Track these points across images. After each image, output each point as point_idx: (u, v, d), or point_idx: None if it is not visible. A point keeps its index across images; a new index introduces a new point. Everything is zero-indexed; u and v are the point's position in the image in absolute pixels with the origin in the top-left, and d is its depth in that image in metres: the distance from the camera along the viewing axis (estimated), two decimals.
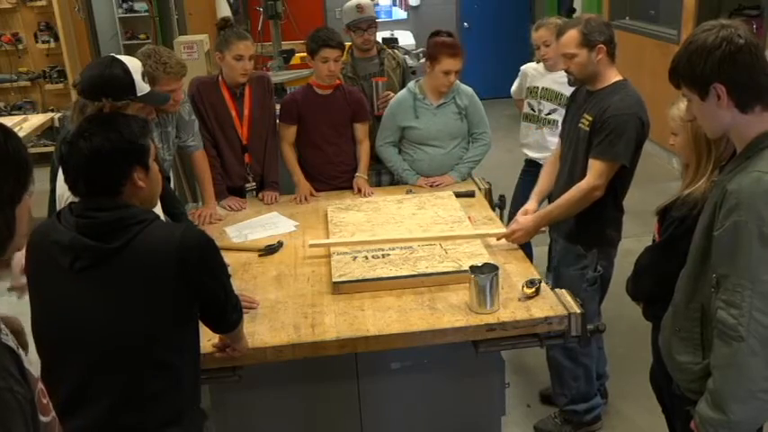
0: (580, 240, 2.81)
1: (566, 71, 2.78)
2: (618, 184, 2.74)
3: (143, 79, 2.34)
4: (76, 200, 1.75)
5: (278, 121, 3.61)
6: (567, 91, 3.22)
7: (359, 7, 3.86)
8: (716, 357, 1.66)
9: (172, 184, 3.27)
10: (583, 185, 2.68)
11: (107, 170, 1.68)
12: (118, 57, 2.36)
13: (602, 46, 2.66)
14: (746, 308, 1.57)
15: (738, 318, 1.58)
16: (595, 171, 2.66)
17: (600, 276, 2.82)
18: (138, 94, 2.30)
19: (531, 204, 2.94)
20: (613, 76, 2.73)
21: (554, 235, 3.05)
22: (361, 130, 3.62)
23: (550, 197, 2.96)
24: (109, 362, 1.67)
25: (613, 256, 2.89)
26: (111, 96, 2.24)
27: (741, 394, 1.62)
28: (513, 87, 4.15)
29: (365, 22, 3.86)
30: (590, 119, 2.70)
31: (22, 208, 1.18)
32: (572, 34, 2.67)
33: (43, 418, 1.16)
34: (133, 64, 2.34)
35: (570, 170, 2.82)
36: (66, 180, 1.72)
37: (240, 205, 3.43)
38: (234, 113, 3.44)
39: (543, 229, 2.89)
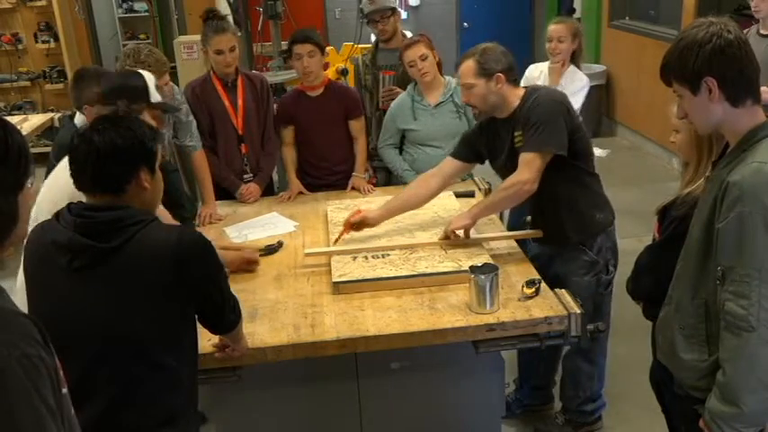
0: (577, 238, 2.73)
1: (467, 104, 2.72)
2: (583, 173, 2.69)
3: (156, 90, 2.44)
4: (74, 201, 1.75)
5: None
6: (570, 91, 3.23)
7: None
8: (725, 350, 1.66)
9: None
10: (512, 179, 2.59)
11: (116, 165, 1.69)
12: (138, 71, 2.52)
13: (500, 75, 2.59)
14: (755, 297, 1.58)
15: (748, 308, 1.59)
16: (522, 164, 2.57)
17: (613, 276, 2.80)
18: (152, 101, 2.38)
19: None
20: (518, 93, 2.66)
21: (547, 247, 2.88)
22: (355, 126, 3.63)
23: (533, 217, 2.88)
24: (105, 361, 1.67)
25: (615, 240, 2.82)
26: (127, 98, 2.31)
27: (754, 385, 1.62)
28: None
29: (377, 13, 3.93)
30: (520, 133, 2.62)
31: (24, 195, 1.22)
32: (468, 65, 2.61)
33: (63, 390, 1.21)
34: (149, 77, 2.46)
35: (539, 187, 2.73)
36: (72, 173, 1.72)
37: (255, 196, 3.46)
38: (227, 104, 3.47)
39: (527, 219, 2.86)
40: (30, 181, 1.24)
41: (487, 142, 2.81)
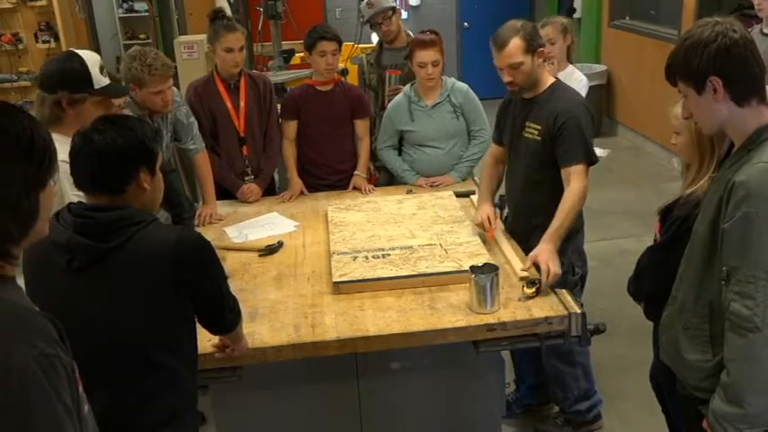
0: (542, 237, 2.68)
1: (509, 83, 2.66)
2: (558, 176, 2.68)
3: (101, 72, 2.34)
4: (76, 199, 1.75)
5: (279, 120, 3.63)
6: None
7: (369, 3, 3.96)
8: (730, 350, 1.65)
9: None
10: (574, 191, 2.58)
11: (116, 165, 1.69)
12: (77, 51, 2.37)
13: (542, 50, 2.64)
14: (761, 298, 1.58)
15: (753, 308, 1.58)
16: (577, 174, 2.59)
17: (580, 277, 2.81)
18: (96, 87, 2.30)
19: (488, 207, 2.90)
20: (548, 79, 2.72)
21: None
22: (361, 126, 3.63)
23: (511, 206, 2.94)
24: (104, 361, 1.67)
25: (582, 245, 2.84)
26: (68, 89, 2.25)
27: (759, 386, 1.62)
28: None
29: (379, 15, 3.95)
30: (538, 128, 2.66)
31: (46, 194, 1.22)
32: (516, 43, 2.59)
33: (79, 388, 1.23)
34: (91, 58, 2.34)
35: (526, 179, 2.77)
36: (73, 172, 1.72)
37: (256, 195, 3.46)
38: (230, 105, 3.46)
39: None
40: (53, 180, 1.24)
41: (504, 118, 2.89)
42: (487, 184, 3.02)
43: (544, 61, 2.70)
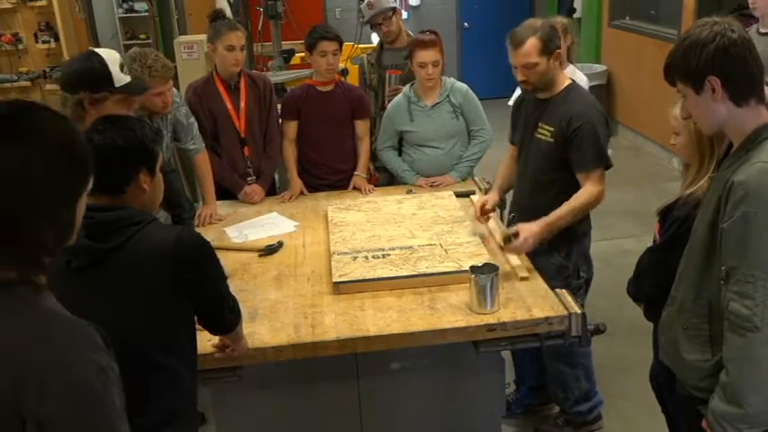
0: (552, 243, 2.68)
1: (523, 82, 2.67)
2: (573, 178, 2.68)
3: (121, 70, 2.34)
4: None
5: (279, 120, 3.63)
6: None
7: (369, 4, 3.97)
8: (729, 350, 1.65)
9: None
10: (590, 191, 2.59)
11: (116, 166, 1.69)
12: (96, 50, 2.38)
13: (559, 51, 2.64)
14: (760, 298, 1.58)
15: (753, 308, 1.59)
16: (593, 179, 2.60)
17: (584, 281, 2.81)
18: (116, 86, 2.30)
19: (493, 195, 2.95)
20: (564, 81, 2.71)
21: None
22: (361, 126, 3.63)
23: (516, 207, 2.95)
24: None
25: (588, 249, 2.85)
26: (89, 89, 2.24)
27: (757, 385, 1.62)
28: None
29: (379, 16, 3.97)
30: (551, 129, 2.65)
31: (80, 204, 1.24)
32: (533, 43, 2.58)
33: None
34: (111, 56, 2.34)
35: (535, 180, 2.78)
36: None
37: (260, 195, 3.46)
38: (230, 106, 3.46)
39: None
40: (86, 189, 1.25)
41: (517, 117, 2.91)
42: (499, 182, 3.05)
43: (560, 63, 2.70)
